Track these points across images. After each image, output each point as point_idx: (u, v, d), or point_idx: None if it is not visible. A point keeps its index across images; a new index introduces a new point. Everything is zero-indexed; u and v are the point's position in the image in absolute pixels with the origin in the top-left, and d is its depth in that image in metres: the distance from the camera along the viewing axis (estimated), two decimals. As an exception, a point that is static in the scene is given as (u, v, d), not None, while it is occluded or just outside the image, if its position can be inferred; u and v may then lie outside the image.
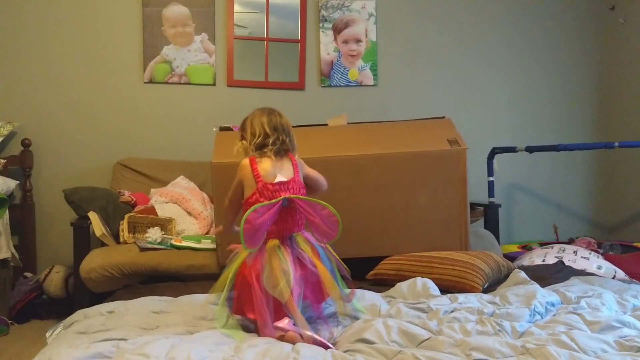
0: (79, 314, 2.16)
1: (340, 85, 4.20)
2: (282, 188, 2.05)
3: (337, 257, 2.11)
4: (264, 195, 2.03)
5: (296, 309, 1.91)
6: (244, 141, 2.16)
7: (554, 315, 2.14)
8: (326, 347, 1.81)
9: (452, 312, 2.13)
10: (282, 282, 1.91)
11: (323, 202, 2.03)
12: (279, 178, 2.06)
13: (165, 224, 3.25)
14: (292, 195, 2.04)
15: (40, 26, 3.84)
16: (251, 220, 1.91)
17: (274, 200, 2.00)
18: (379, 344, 1.76)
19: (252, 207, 1.94)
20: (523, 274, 2.65)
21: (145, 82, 3.96)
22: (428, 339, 1.81)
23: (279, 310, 1.92)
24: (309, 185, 2.21)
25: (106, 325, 1.95)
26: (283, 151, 2.13)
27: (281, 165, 2.10)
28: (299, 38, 4.13)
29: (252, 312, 1.94)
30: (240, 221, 1.92)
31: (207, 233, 3.37)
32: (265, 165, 2.07)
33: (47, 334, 2.14)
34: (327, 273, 2.02)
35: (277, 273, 1.93)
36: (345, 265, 2.13)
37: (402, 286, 2.47)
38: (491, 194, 3.99)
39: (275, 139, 2.12)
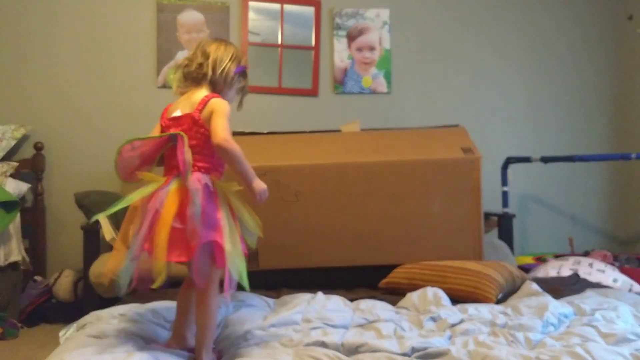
0: (92, 316, 2.16)
1: (353, 92, 4.18)
2: (173, 124, 1.87)
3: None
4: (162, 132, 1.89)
5: None
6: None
7: (567, 327, 2.11)
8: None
9: (461, 322, 2.10)
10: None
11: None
12: (175, 113, 1.87)
13: (175, 229, 3.23)
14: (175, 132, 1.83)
15: (54, 30, 3.86)
16: (122, 152, 1.81)
17: (156, 135, 1.88)
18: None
19: (128, 139, 1.82)
20: (535, 286, 2.61)
21: (158, 87, 3.97)
22: (441, 351, 1.77)
23: None
24: None
25: (117, 329, 1.94)
26: (193, 79, 1.90)
27: (188, 98, 1.90)
28: (313, 45, 4.11)
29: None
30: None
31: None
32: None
33: (61, 334, 2.17)
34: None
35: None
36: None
37: (413, 296, 2.44)
38: (505, 204, 3.94)
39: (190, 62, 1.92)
